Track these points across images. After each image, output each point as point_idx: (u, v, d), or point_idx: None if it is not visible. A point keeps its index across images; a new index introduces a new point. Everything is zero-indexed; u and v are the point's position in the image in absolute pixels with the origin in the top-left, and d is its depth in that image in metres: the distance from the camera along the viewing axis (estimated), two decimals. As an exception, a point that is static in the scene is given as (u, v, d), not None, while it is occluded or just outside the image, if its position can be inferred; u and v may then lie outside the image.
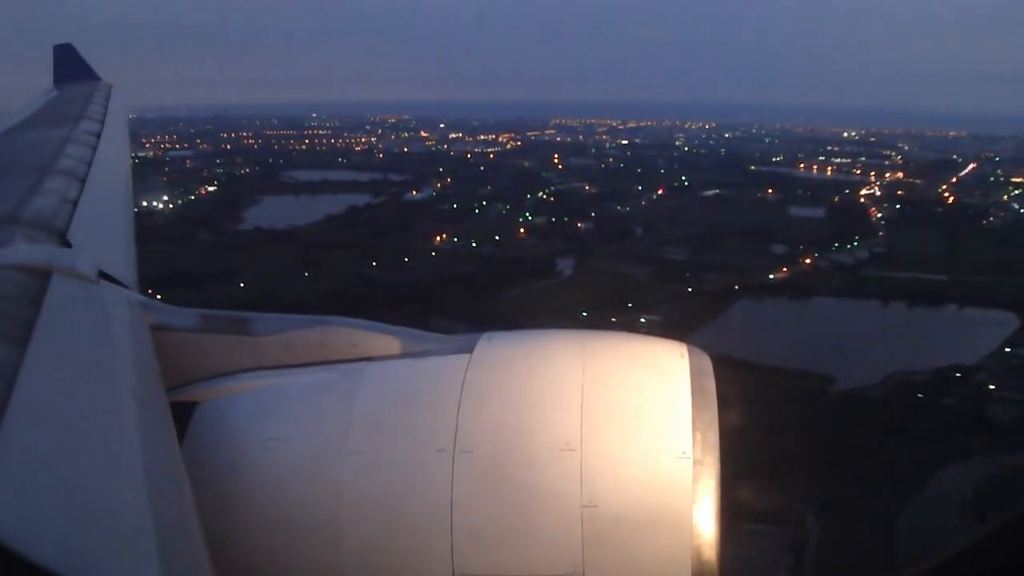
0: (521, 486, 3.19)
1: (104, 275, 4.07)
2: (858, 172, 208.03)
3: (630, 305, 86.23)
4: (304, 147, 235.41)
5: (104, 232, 5.74)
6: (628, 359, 3.48)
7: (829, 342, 77.00)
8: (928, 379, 66.15)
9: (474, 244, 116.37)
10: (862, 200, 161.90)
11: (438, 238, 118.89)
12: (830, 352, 73.52)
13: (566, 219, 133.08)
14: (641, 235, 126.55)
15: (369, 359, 3.79)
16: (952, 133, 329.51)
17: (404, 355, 3.79)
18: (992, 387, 67.27)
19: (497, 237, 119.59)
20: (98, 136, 9.43)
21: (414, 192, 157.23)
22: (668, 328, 79.57)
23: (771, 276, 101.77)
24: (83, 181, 6.54)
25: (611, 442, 3.21)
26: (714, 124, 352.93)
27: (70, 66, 17.25)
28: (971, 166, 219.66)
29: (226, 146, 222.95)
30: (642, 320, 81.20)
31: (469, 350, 3.62)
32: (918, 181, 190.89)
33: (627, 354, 3.52)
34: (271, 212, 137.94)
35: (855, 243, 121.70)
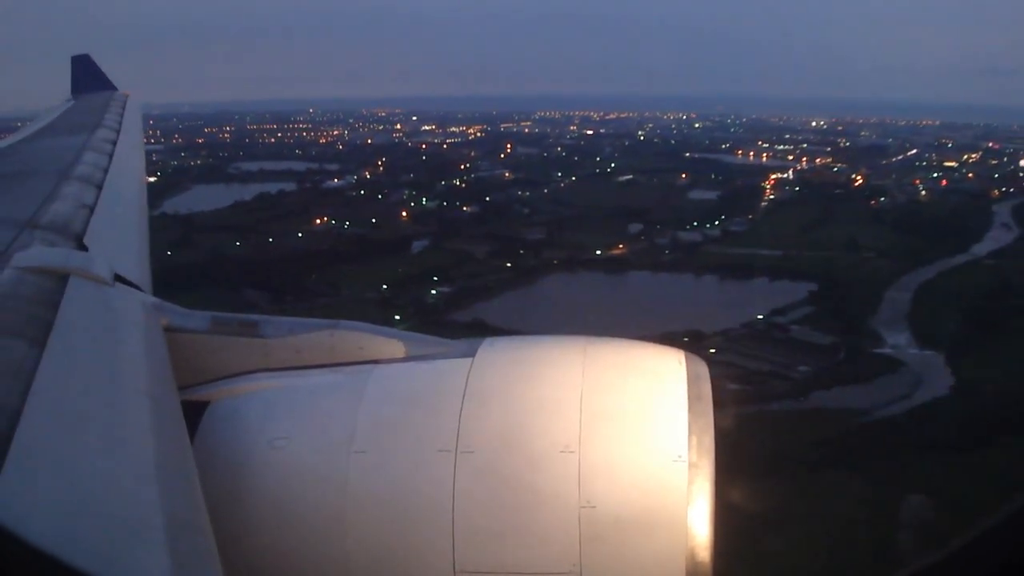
0: (521, 486, 3.20)
1: (119, 278, 4.08)
2: (791, 158, 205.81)
3: (435, 279, 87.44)
4: (273, 140, 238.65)
5: (119, 236, 5.73)
6: (626, 365, 3.49)
7: (600, 313, 77.28)
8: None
9: (347, 225, 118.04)
10: (766, 183, 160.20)
11: (318, 221, 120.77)
12: (591, 322, 73.99)
13: (457, 203, 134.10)
14: (518, 217, 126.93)
15: (375, 362, 3.82)
16: (926, 122, 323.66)
17: (409, 358, 3.82)
18: (713, 351, 67.46)
19: (374, 220, 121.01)
20: (114, 144, 9.41)
21: (336, 180, 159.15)
22: (453, 297, 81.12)
23: (598, 253, 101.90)
24: (99, 187, 6.55)
25: (609, 445, 3.21)
26: (694, 115, 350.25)
27: (87, 76, 17.38)
28: (912, 151, 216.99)
29: (198, 140, 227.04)
30: (432, 292, 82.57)
31: (471, 354, 3.64)
32: (841, 165, 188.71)
33: (625, 360, 3.53)
34: (189, 200, 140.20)
35: (717, 222, 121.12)
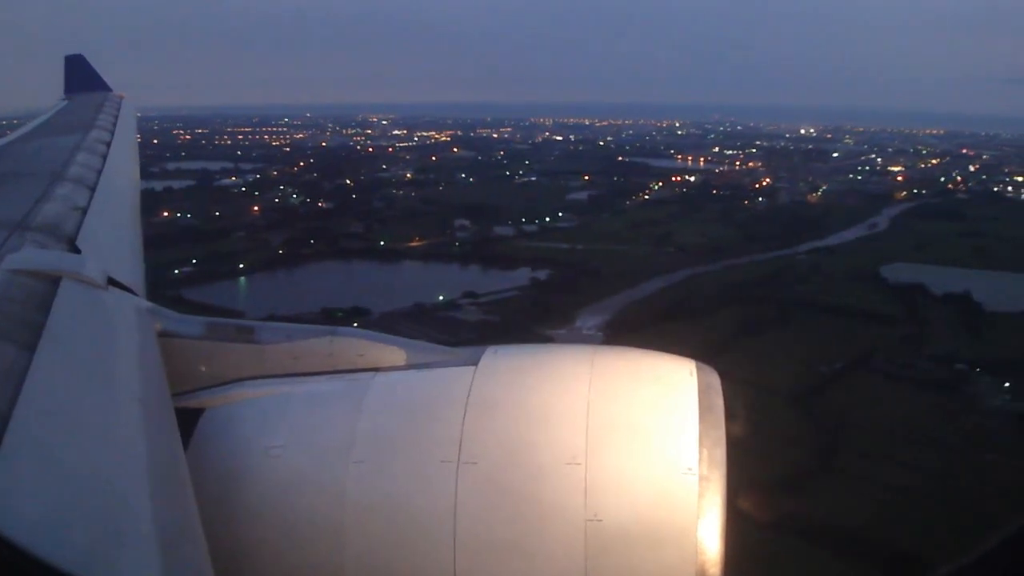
0: (525, 499, 3.18)
1: (112, 281, 4.07)
2: (726, 162, 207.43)
3: (194, 261, 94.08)
4: (229, 143, 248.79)
5: (113, 239, 5.70)
6: (635, 374, 3.47)
7: (306, 290, 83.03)
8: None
9: (188, 217, 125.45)
10: (655, 184, 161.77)
11: (165, 213, 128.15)
12: (288, 297, 79.77)
13: (320, 201, 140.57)
14: (364, 212, 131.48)
15: (375, 370, 3.80)
16: (930, 131, 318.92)
17: (410, 366, 3.79)
18: (355, 324, 72.01)
19: (217, 213, 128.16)
20: (108, 145, 9.41)
21: (233, 178, 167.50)
22: (189, 277, 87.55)
23: (382, 243, 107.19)
24: (93, 189, 6.51)
25: (616, 457, 3.19)
26: (687, 122, 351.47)
27: (81, 76, 17.41)
28: (867, 156, 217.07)
29: (153, 140, 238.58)
30: (175, 272, 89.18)
31: (474, 362, 3.62)
32: (760, 168, 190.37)
33: (634, 369, 3.50)
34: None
35: (548, 220, 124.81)
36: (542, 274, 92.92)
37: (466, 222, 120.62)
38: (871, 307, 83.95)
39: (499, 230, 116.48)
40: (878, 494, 47.08)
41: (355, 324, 74.71)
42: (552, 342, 72.24)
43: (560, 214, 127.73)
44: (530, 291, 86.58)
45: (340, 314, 73.70)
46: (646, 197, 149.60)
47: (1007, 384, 66.51)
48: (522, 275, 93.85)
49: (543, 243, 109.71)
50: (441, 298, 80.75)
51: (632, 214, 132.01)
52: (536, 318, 76.04)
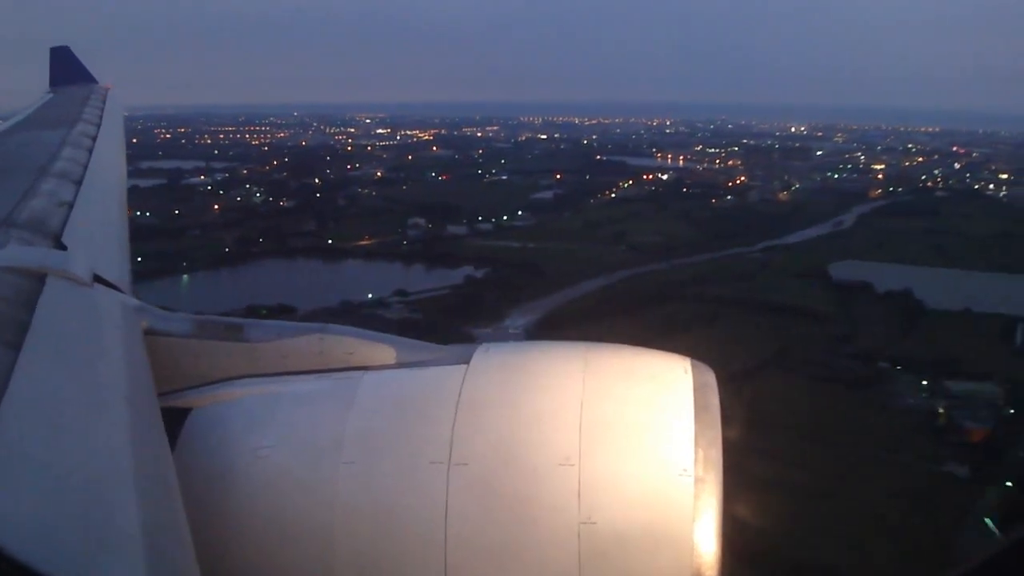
0: (517, 501, 3.16)
1: (98, 278, 4.06)
2: (705, 160, 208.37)
3: (139, 259, 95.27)
4: (209, 141, 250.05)
5: (99, 235, 5.72)
6: (629, 373, 3.44)
7: (244, 288, 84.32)
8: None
9: (148, 215, 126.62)
10: (625, 183, 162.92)
11: (128, 212, 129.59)
12: (224, 294, 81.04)
13: (282, 199, 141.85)
14: (323, 211, 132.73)
15: (365, 368, 3.78)
16: (925, 128, 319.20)
17: (400, 365, 3.78)
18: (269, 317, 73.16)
19: (177, 212, 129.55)
20: (94, 139, 9.39)
21: (202, 177, 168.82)
22: (145, 273, 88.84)
23: (330, 242, 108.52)
24: (79, 184, 6.53)
25: (611, 458, 3.17)
26: (678, 120, 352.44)
27: (67, 68, 17.24)
28: (853, 154, 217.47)
29: (134, 140, 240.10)
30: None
31: (466, 361, 3.60)
32: (738, 166, 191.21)
33: (629, 368, 3.48)
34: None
35: (505, 218, 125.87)
36: (481, 272, 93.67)
37: (420, 220, 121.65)
38: (808, 305, 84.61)
39: (453, 229, 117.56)
40: (756, 490, 47.70)
41: (274, 321, 76.38)
42: (474, 341, 73.94)
43: (519, 212, 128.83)
44: (464, 289, 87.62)
45: (264, 312, 74.41)
46: (612, 195, 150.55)
47: (924, 382, 67.22)
48: (462, 273, 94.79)
49: (494, 242, 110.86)
50: (370, 296, 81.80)
51: (593, 213, 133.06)
52: (463, 316, 76.96)
